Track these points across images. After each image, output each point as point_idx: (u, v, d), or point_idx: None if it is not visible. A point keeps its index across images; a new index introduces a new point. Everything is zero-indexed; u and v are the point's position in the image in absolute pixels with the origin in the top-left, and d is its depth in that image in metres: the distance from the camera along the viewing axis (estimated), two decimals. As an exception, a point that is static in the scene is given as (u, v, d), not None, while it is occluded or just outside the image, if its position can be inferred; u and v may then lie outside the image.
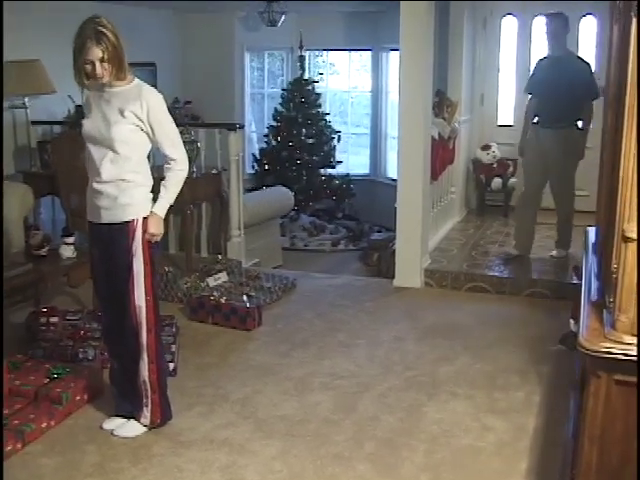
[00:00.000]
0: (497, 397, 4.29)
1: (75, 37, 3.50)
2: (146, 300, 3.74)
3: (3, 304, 4.05)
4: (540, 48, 8.13)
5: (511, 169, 8.46)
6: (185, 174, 3.78)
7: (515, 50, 8.65)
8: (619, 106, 2.67)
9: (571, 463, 2.91)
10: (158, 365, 3.86)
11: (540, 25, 8.29)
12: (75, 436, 3.84)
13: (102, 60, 3.49)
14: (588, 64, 6.31)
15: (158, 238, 3.77)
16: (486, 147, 8.47)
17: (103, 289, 3.86)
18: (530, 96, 6.58)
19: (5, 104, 7.02)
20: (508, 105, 8.79)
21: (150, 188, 3.75)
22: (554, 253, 6.69)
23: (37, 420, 3.83)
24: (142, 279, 3.71)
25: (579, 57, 6.42)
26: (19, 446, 3.68)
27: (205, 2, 8.95)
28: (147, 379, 3.81)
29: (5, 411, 3.88)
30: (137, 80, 3.69)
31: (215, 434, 3.88)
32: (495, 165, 8.43)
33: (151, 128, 3.63)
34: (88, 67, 3.50)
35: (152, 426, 3.88)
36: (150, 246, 3.72)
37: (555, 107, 6.25)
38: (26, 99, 6.93)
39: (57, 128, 7.23)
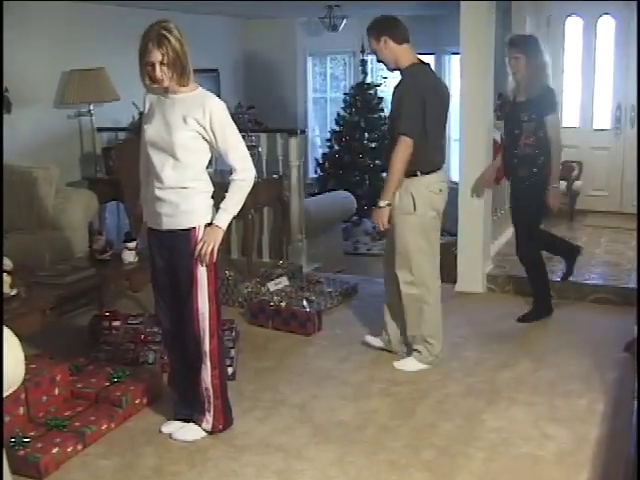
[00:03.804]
0: (558, 405, 4.20)
1: (141, 39, 3.51)
2: (209, 307, 3.73)
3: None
4: (605, 49, 8.02)
5: (576, 172, 8.33)
6: (247, 184, 3.69)
7: (580, 51, 8.50)
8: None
9: (632, 476, 2.84)
10: (221, 371, 3.87)
11: (606, 25, 8.18)
12: (134, 439, 3.89)
13: (162, 63, 3.49)
14: (402, 83, 4.47)
15: (215, 249, 3.66)
16: (550, 150, 8.33)
17: (166, 295, 3.85)
18: None
19: (71, 112, 7.18)
20: (573, 107, 8.64)
21: (210, 194, 3.74)
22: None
23: (97, 422, 3.89)
24: (205, 286, 3.71)
25: (407, 73, 4.48)
26: (79, 447, 3.74)
27: (264, 7, 8.99)
28: (210, 385, 3.82)
29: (67, 413, 3.96)
30: (201, 88, 3.68)
31: (271, 438, 3.88)
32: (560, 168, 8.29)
33: (214, 136, 3.61)
34: (149, 69, 3.51)
35: (213, 431, 3.90)
36: (213, 252, 3.68)
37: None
38: (91, 106, 7.07)
39: (122, 135, 7.35)
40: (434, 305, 4.66)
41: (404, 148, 4.33)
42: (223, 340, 4.00)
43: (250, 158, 3.74)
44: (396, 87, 4.51)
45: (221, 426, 3.90)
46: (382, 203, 4.42)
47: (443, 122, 4.62)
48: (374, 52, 4.59)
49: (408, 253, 4.55)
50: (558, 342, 5.11)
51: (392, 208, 4.46)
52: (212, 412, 3.86)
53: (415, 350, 4.74)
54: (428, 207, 4.48)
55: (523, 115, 5.17)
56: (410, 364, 4.74)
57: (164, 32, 3.48)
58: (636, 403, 3.69)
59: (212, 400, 3.84)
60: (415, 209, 4.45)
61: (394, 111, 4.46)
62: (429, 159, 4.47)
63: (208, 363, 3.79)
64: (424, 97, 4.37)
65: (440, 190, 4.54)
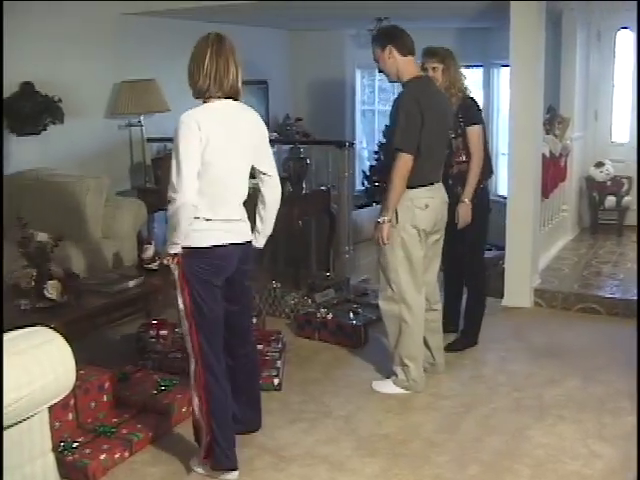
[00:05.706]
0: (607, 422, 4.15)
1: (224, 45, 3.50)
2: (188, 328, 3.53)
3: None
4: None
5: (626, 187, 8.23)
6: (170, 211, 3.42)
7: (631, 65, 8.39)
8: None
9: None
10: (208, 405, 3.53)
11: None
12: (180, 447, 3.91)
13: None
14: (401, 97, 4.37)
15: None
16: (600, 164, 8.26)
17: None
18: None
19: (122, 122, 7.28)
20: (623, 121, 8.54)
21: (205, 219, 3.49)
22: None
23: (144, 430, 3.94)
24: (182, 306, 3.54)
25: (406, 87, 4.40)
26: (127, 454, 3.79)
27: (313, 20, 9.04)
28: (198, 416, 3.59)
29: (114, 420, 4.01)
30: (210, 103, 3.53)
31: (316, 450, 3.88)
32: (609, 183, 8.21)
33: None
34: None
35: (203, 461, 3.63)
36: (189, 277, 3.47)
37: None
38: (142, 117, 7.16)
39: (171, 145, 7.39)
40: (414, 325, 4.47)
41: (402, 164, 4.23)
42: (213, 370, 3.55)
43: (177, 189, 3.40)
44: (395, 100, 4.39)
45: (209, 465, 3.60)
46: (381, 219, 4.34)
47: (443, 137, 4.50)
48: (377, 61, 4.47)
49: (387, 266, 4.44)
50: (607, 358, 5.05)
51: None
52: (204, 445, 3.61)
53: (393, 372, 4.62)
54: (408, 222, 4.34)
55: (450, 132, 4.87)
56: (386, 386, 4.62)
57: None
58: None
59: (203, 434, 3.59)
60: (397, 222, 4.35)
61: (391, 125, 4.36)
62: (419, 173, 4.30)
63: (193, 391, 3.58)
64: (421, 111, 4.23)
65: (427, 205, 4.36)
